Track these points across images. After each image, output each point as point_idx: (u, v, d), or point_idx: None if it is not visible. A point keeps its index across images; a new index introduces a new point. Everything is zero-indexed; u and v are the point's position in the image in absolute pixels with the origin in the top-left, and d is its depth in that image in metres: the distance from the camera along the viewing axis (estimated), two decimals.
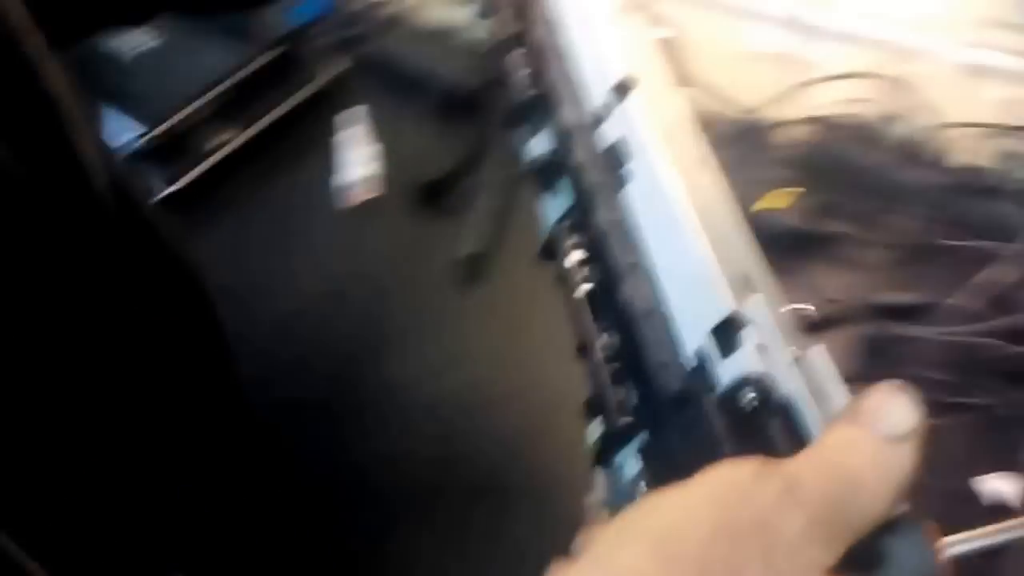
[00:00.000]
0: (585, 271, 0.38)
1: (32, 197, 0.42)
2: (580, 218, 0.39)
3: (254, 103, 1.11)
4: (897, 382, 0.26)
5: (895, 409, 0.25)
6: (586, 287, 0.38)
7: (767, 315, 0.30)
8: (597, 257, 0.37)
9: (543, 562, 0.27)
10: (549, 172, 0.42)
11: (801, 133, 0.99)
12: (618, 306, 0.35)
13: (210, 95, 1.08)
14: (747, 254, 0.34)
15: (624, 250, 0.36)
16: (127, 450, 0.48)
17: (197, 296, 0.56)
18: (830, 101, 0.97)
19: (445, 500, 0.72)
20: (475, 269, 0.91)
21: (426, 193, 1.00)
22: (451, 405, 0.80)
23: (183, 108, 1.05)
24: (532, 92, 0.44)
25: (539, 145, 0.43)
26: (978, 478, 0.73)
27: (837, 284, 0.86)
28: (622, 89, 0.39)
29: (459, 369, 0.83)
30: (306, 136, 1.11)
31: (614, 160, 0.38)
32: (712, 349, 0.30)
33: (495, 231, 0.94)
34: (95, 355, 0.46)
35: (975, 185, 0.89)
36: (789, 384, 0.28)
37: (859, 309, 0.84)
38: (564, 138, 0.41)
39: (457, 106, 1.09)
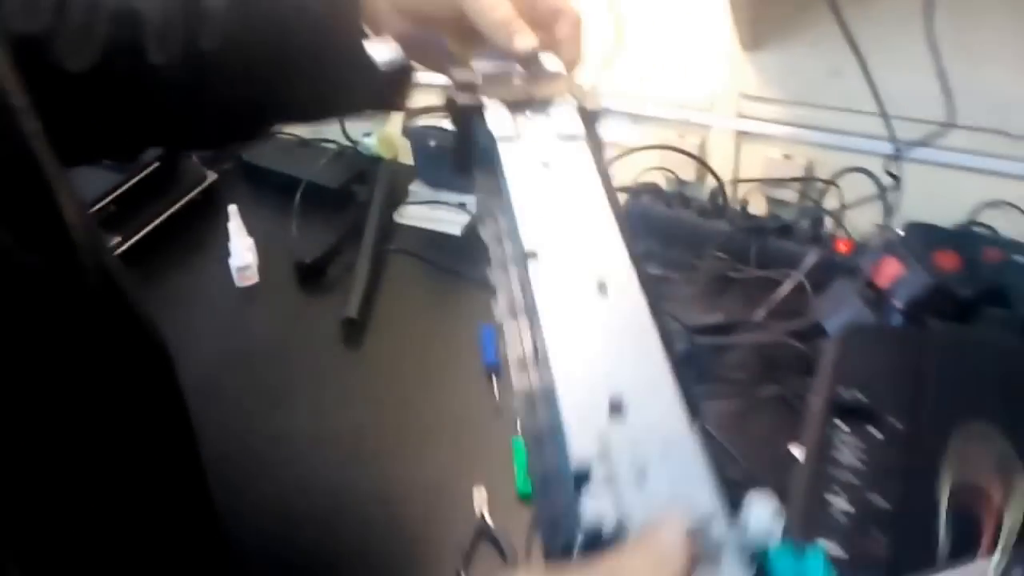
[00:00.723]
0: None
1: (34, 280, 0.46)
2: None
3: (135, 214, 1.23)
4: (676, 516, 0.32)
5: (666, 532, 0.31)
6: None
7: (624, 438, 0.34)
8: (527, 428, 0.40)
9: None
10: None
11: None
12: (535, 474, 0.37)
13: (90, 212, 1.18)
14: (632, 372, 0.38)
15: (534, 420, 0.38)
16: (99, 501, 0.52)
17: (159, 354, 0.59)
18: (637, 171, 1.18)
19: (345, 511, 0.83)
20: (353, 331, 1.05)
21: (304, 273, 1.13)
22: (340, 441, 0.91)
23: None
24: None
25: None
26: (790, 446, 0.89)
27: None
28: (527, 258, 0.43)
29: (345, 413, 0.95)
30: (188, 237, 1.23)
31: (532, 332, 0.41)
32: (573, 500, 0.33)
33: (368, 299, 1.08)
34: (73, 422, 0.49)
35: (753, 227, 1.10)
36: (633, 509, 0.32)
37: (677, 331, 1.02)
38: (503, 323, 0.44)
39: (323, 201, 1.24)
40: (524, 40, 0.56)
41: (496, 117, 0.52)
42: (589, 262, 0.44)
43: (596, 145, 0.53)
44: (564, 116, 0.53)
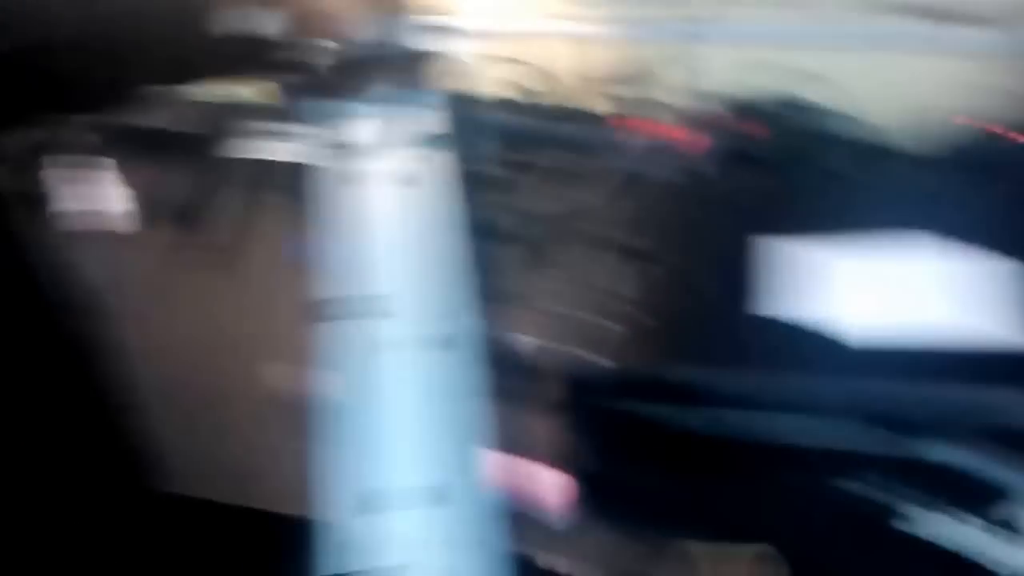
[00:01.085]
0: None
1: None
2: None
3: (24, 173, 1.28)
4: None
5: None
6: None
7: (440, 530, 0.36)
8: None
9: None
10: None
11: None
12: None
13: None
14: (456, 459, 0.39)
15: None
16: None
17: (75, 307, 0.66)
18: (481, 83, 1.25)
19: (190, 400, 0.92)
20: (225, 257, 1.12)
21: (180, 215, 1.20)
22: (196, 348, 1.01)
23: None
24: None
25: None
26: None
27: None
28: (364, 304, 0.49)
29: (205, 325, 1.04)
30: (71, 192, 1.29)
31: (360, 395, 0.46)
32: None
33: (238, 229, 1.16)
34: None
35: (588, 122, 1.18)
36: None
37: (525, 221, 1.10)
38: None
39: (196, 148, 1.31)
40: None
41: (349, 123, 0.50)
42: (427, 313, 0.43)
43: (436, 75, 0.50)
44: (422, 110, 0.51)
